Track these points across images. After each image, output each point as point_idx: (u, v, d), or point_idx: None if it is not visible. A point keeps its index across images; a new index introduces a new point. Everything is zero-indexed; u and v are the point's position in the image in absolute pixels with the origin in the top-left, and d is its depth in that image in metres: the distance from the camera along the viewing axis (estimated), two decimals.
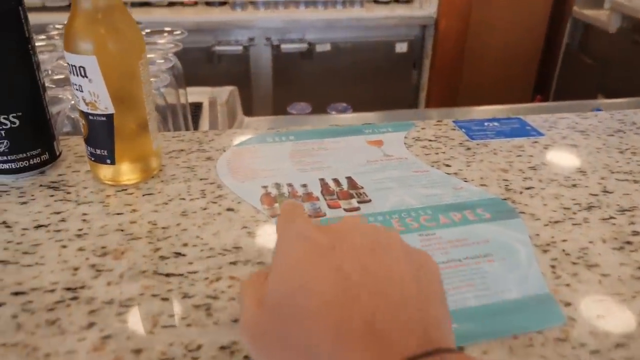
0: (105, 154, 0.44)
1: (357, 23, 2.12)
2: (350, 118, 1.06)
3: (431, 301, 0.24)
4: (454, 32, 2.13)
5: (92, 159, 0.45)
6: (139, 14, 1.98)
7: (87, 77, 0.40)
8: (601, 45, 2.31)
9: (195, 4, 2.15)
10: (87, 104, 0.42)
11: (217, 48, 2.03)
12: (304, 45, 2.08)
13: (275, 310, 0.24)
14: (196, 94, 1.10)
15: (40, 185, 0.46)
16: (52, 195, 0.44)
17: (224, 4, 2.15)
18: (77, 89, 0.42)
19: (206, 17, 2.05)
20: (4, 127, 0.44)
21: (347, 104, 1.43)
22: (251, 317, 0.24)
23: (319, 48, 2.10)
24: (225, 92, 1.14)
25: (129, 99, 0.42)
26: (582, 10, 2.39)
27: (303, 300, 0.23)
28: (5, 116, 0.43)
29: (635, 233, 0.40)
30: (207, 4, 2.14)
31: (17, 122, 0.44)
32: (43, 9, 2.01)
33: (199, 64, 2.00)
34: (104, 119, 0.42)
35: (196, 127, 1.01)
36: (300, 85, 2.15)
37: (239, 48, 2.05)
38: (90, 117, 0.42)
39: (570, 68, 2.55)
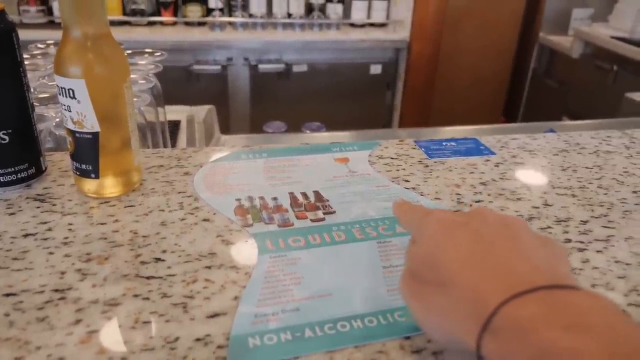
0: (90, 168, 0.47)
1: (333, 45, 2.20)
2: (323, 137, 1.11)
3: (558, 263, 0.29)
4: (426, 56, 2.22)
5: (77, 173, 0.48)
6: (119, 34, 2.01)
7: (75, 98, 0.44)
8: (565, 69, 2.42)
9: (175, 24, 2.19)
10: (74, 123, 0.45)
11: (196, 67, 2.08)
12: (281, 66, 2.14)
13: (418, 268, 0.30)
14: (174, 112, 1.14)
15: (27, 198, 0.49)
16: (38, 207, 0.47)
17: (203, 24, 2.20)
18: (65, 109, 0.45)
19: (185, 36, 2.10)
20: None
21: (323, 123, 1.48)
22: (403, 277, 0.32)
23: (296, 68, 2.16)
24: (203, 111, 1.18)
25: (114, 118, 0.46)
26: (547, 37, 2.51)
27: (442, 255, 0.29)
28: None
29: (567, 240, 0.45)
30: (186, 24, 2.19)
31: (7, 138, 0.47)
32: (21, 25, 2.02)
33: (178, 82, 2.04)
34: (90, 136, 0.46)
35: (174, 144, 1.05)
36: (277, 104, 2.20)
37: (217, 67, 2.10)
38: (77, 135, 0.46)
39: (537, 91, 2.66)
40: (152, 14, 2.17)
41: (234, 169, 0.56)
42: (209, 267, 0.40)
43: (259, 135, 1.14)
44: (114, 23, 2.11)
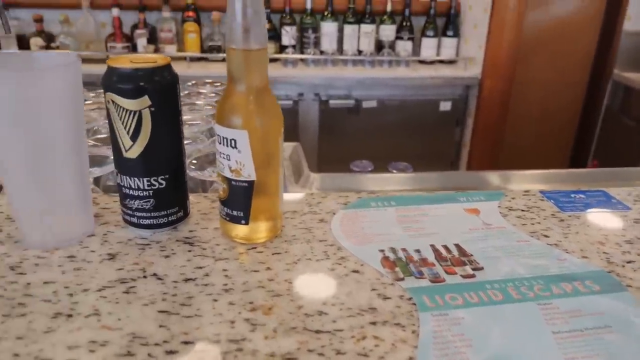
0: (241, 215, 0.48)
1: (402, 82, 2.20)
2: (413, 178, 1.10)
3: None
4: (498, 92, 2.19)
5: (227, 218, 0.49)
6: (196, 69, 2.10)
7: (236, 148, 0.46)
8: None
9: None
10: (232, 171, 0.47)
11: None
12: (351, 102, 2.16)
13: None
14: None
15: (177, 240, 0.50)
16: (189, 251, 0.49)
17: (275, 60, 2.26)
18: (224, 158, 0.47)
19: None
20: (152, 187, 0.49)
21: (390, 158, 1.47)
22: None
23: (366, 104, 2.18)
24: (289, 148, 1.20)
25: (269, 167, 0.47)
26: (622, 73, 2.44)
27: None
28: (155, 178, 0.49)
29: None
30: None
31: (164, 183, 0.49)
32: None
33: None
34: (245, 184, 0.47)
35: None
36: (346, 139, 2.22)
37: (289, 102, 2.14)
38: (233, 183, 0.47)
39: (610, 130, 2.57)
40: None
41: (366, 217, 0.56)
42: (373, 323, 0.40)
43: (347, 174, 1.14)
44: (192, 59, 2.19)
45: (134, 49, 2.16)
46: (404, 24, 2.31)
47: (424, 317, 0.40)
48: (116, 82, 0.46)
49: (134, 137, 0.47)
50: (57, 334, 0.38)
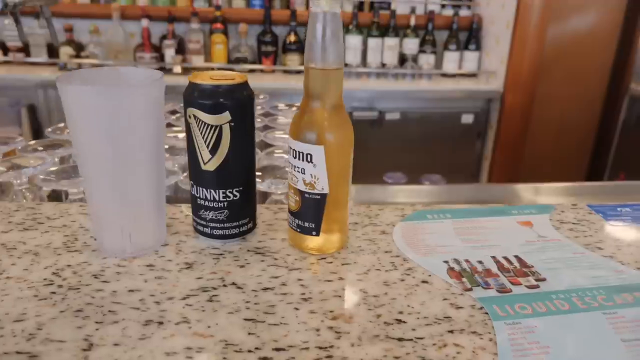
0: (313, 226, 0.51)
1: (425, 95, 2.23)
2: (448, 190, 1.12)
3: None
4: (519, 106, 2.21)
5: (298, 230, 0.52)
6: None
7: (312, 162, 0.48)
8: None
9: (273, 71, 2.30)
10: (306, 185, 0.49)
11: None
12: (375, 114, 2.19)
13: None
14: None
15: (248, 251, 0.53)
16: (262, 261, 0.51)
17: (300, 72, 2.29)
18: (298, 171, 0.49)
19: (283, 83, 2.19)
20: (227, 199, 0.51)
21: (416, 170, 1.49)
22: None
23: (389, 116, 2.20)
24: None
25: (340, 181, 0.50)
26: (639, 88, 2.44)
27: None
28: (230, 190, 0.51)
29: None
30: (285, 72, 2.29)
31: (238, 195, 0.52)
32: None
33: None
34: (318, 197, 0.49)
35: None
36: (369, 151, 2.24)
37: None
38: (306, 195, 0.50)
39: (627, 144, 2.57)
40: (254, 62, 2.29)
41: (426, 229, 0.58)
42: (451, 332, 0.42)
43: (382, 186, 1.16)
44: (220, 69, 2.23)
45: (161, 59, 2.20)
46: (427, 37, 2.34)
47: (498, 326, 0.42)
48: (198, 97, 0.48)
49: (213, 151, 0.49)
50: (152, 341, 0.40)
